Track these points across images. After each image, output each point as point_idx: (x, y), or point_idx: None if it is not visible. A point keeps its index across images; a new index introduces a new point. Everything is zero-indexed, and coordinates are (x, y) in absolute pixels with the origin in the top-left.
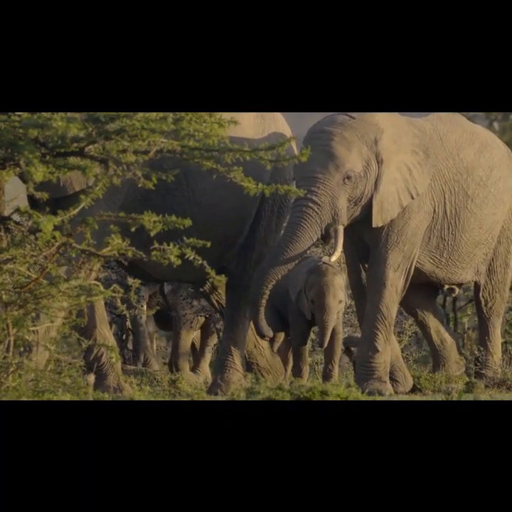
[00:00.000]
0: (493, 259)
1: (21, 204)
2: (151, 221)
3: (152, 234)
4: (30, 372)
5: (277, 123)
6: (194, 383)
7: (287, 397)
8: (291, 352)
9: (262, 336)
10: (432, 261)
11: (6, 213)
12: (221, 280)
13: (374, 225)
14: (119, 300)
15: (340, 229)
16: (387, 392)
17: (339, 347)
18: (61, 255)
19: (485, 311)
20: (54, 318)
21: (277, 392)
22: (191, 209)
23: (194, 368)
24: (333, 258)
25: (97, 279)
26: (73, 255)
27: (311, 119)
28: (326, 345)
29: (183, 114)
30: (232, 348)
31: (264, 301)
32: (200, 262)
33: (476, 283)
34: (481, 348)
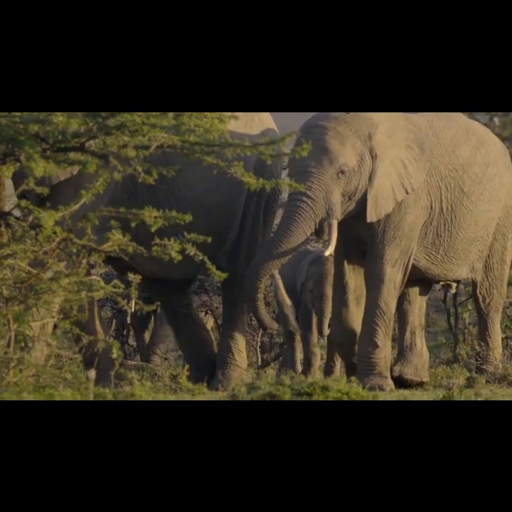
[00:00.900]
0: (489, 256)
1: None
2: (152, 217)
3: (153, 229)
4: (31, 367)
5: (261, 115)
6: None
7: (288, 393)
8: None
9: (266, 329)
10: (427, 257)
11: (6, 208)
12: (221, 276)
13: (368, 220)
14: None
15: (335, 223)
16: (388, 388)
17: None
18: (62, 250)
19: (483, 308)
20: (52, 314)
21: (278, 387)
22: (177, 203)
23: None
24: (327, 252)
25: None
26: (74, 251)
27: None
28: (325, 333)
29: None
30: (232, 344)
31: (260, 296)
32: (200, 258)
33: (473, 280)
34: (482, 344)
